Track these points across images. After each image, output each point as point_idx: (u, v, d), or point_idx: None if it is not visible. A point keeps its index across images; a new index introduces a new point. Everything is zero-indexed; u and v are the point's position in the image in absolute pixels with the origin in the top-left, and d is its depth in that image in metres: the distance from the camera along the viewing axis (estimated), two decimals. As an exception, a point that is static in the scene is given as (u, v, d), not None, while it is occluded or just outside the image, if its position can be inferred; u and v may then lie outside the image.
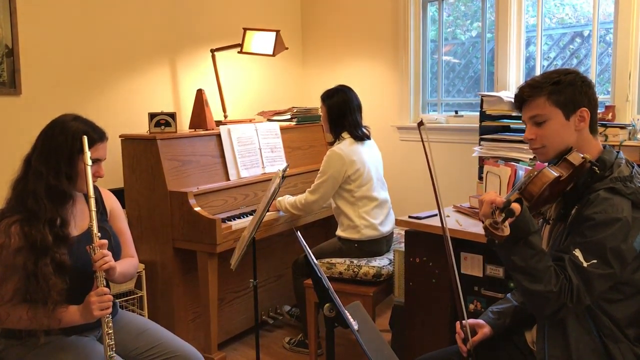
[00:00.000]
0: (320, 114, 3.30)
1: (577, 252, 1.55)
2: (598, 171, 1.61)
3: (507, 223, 1.51)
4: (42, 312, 1.77)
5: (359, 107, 3.20)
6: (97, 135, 1.93)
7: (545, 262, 1.55)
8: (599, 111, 2.95)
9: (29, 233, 1.78)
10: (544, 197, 1.64)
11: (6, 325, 1.83)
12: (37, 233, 1.78)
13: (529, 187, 1.61)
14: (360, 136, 3.14)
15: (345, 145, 3.08)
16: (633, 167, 1.67)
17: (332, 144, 3.19)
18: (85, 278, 1.87)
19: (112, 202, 2.13)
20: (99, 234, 1.84)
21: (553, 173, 1.61)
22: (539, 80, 1.69)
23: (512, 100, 2.93)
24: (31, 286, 1.76)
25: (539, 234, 1.59)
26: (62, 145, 1.86)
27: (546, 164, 1.72)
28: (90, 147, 1.88)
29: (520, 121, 2.33)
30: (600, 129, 2.75)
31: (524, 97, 1.70)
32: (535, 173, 1.63)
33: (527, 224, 1.56)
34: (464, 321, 1.79)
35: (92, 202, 1.85)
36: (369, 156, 3.15)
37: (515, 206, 1.54)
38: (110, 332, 1.81)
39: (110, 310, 1.81)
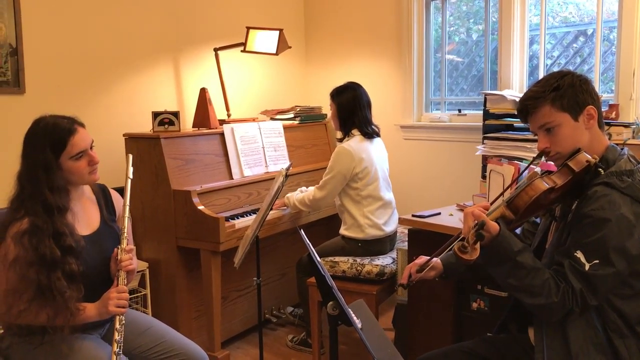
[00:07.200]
0: (330, 111, 3.27)
1: (579, 254, 1.55)
2: (603, 172, 1.60)
3: (477, 245, 1.49)
4: (62, 319, 1.80)
5: (368, 104, 3.18)
6: (67, 132, 1.88)
7: (541, 276, 1.56)
8: (602, 110, 2.96)
9: (37, 247, 1.78)
10: (537, 207, 1.62)
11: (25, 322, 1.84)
12: (45, 248, 1.78)
13: (515, 200, 1.59)
14: (370, 133, 3.13)
15: (355, 142, 3.07)
16: (638, 163, 1.66)
17: (341, 140, 3.18)
18: (98, 277, 1.91)
19: (120, 205, 2.14)
20: (126, 225, 1.94)
21: (544, 184, 1.58)
22: (538, 90, 1.67)
23: (516, 98, 2.94)
24: (48, 300, 1.78)
25: (527, 251, 1.59)
26: (35, 161, 1.85)
27: (539, 169, 1.71)
28: (65, 146, 1.86)
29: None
30: (604, 128, 2.74)
31: (528, 109, 1.69)
32: (526, 183, 1.61)
33: (506, 245, 1.55)
34: (433, 259, 1.79)
35: (127, 209, 1.97)
36: (377, 155, 3.13)
37: (493, 227, 1.53)
38: (121, 329, 1.83)
39: (126, 310, 1.86)
